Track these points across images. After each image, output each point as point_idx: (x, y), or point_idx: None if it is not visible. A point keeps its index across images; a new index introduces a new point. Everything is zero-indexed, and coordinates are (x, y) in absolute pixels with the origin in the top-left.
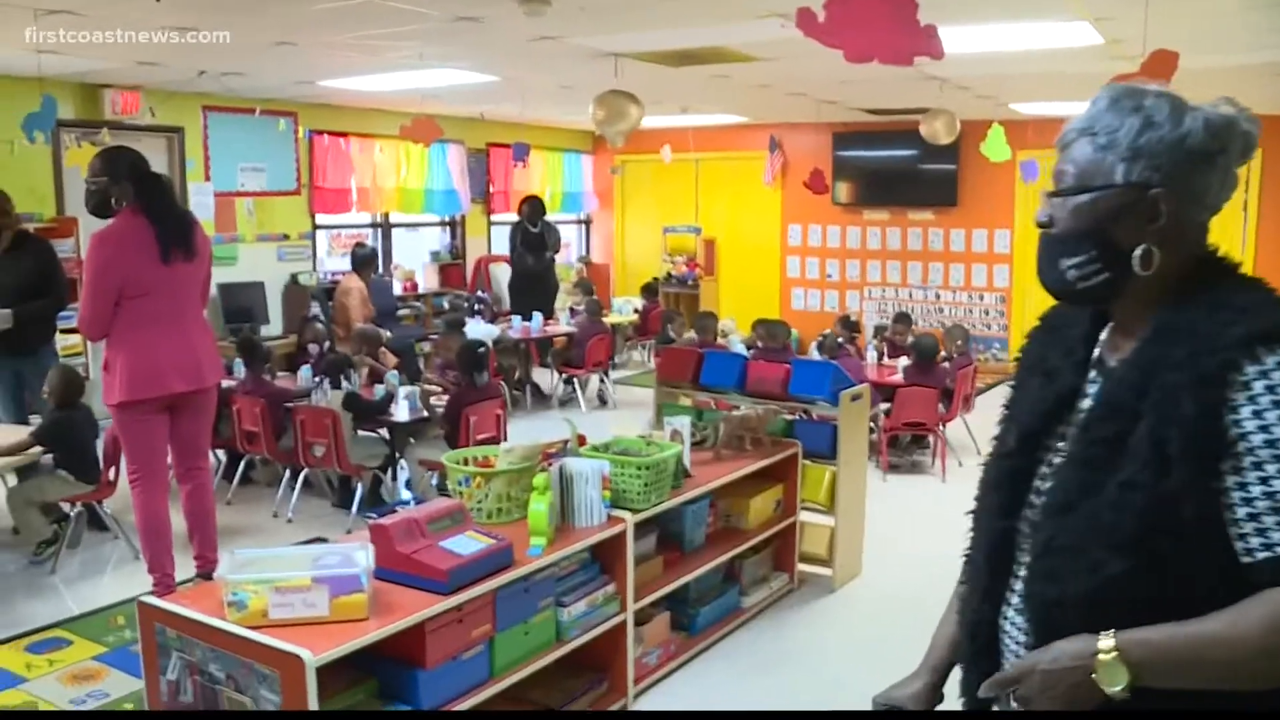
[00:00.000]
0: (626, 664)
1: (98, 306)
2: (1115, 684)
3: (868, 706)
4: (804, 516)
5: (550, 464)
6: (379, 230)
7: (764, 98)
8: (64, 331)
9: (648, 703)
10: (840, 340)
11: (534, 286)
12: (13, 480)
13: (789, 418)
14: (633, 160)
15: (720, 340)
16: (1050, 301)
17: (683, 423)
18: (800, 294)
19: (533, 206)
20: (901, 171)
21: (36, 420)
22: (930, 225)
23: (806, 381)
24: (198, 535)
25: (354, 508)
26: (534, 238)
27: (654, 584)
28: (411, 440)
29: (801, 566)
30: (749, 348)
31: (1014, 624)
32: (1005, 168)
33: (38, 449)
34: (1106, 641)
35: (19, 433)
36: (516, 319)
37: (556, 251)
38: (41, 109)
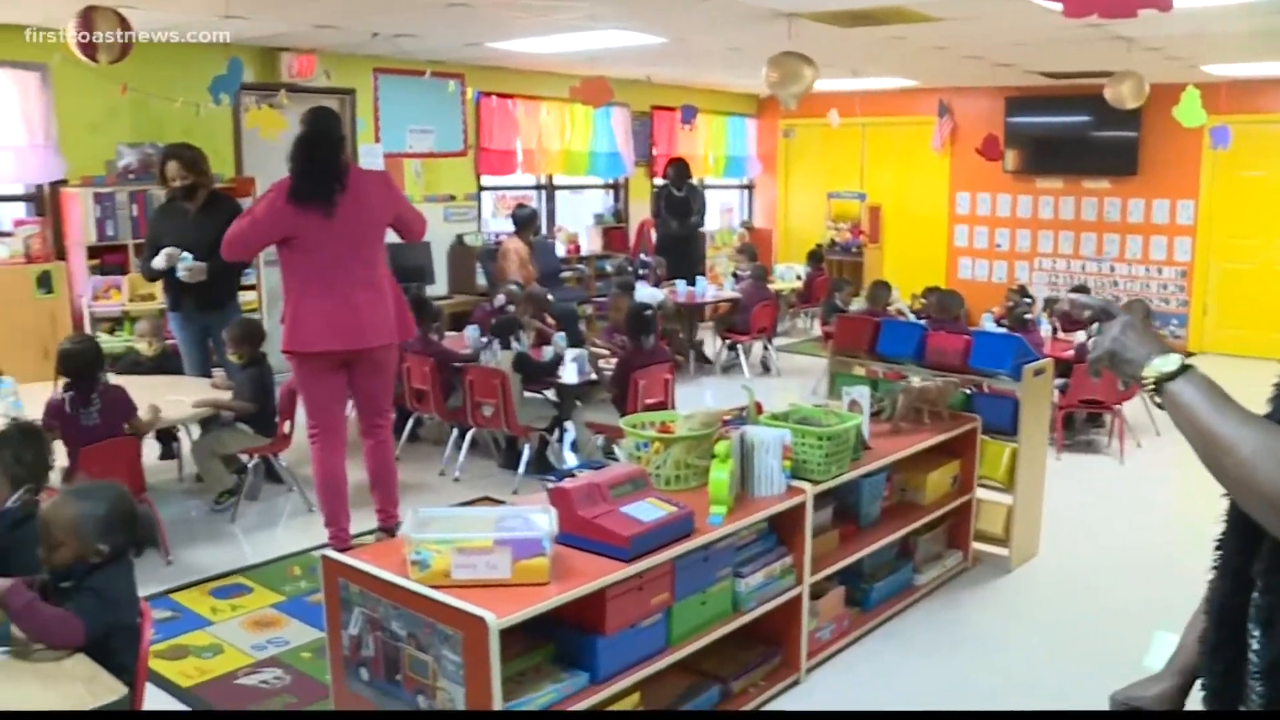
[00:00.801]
0: (800, 638)
1: (245, 233)
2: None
3: (1042, 694)
4: (980, 494)
5: (728, 431)
6: (543, 192)
7: (937, 60)
8: (245, 288)
9: (820, 678)
10: (1026, 315)
11: (678, 251)
12: (197, 432)
13: (967, 391)
14: (799, 124)
15: (892, 309)
16: (1237, 278)
17: (862, 393)
18: (967, 264)
19: (677, 169)
20: (1077, 138)
21: (218, 373)
22: (1107, 194)
23: (988, 354)
24: (379, 491)
25: (520, 469)
26: (678, 202)
27: (830, 557)
28: (578, 403)
29: (976, 545)
30: (918, 317)
31: (1258, 608)
32: (1192, 135)
33: (228, 402)
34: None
35: (204, 384)
36: (680, 283)
37: (702, 216)
38: (228, 72)
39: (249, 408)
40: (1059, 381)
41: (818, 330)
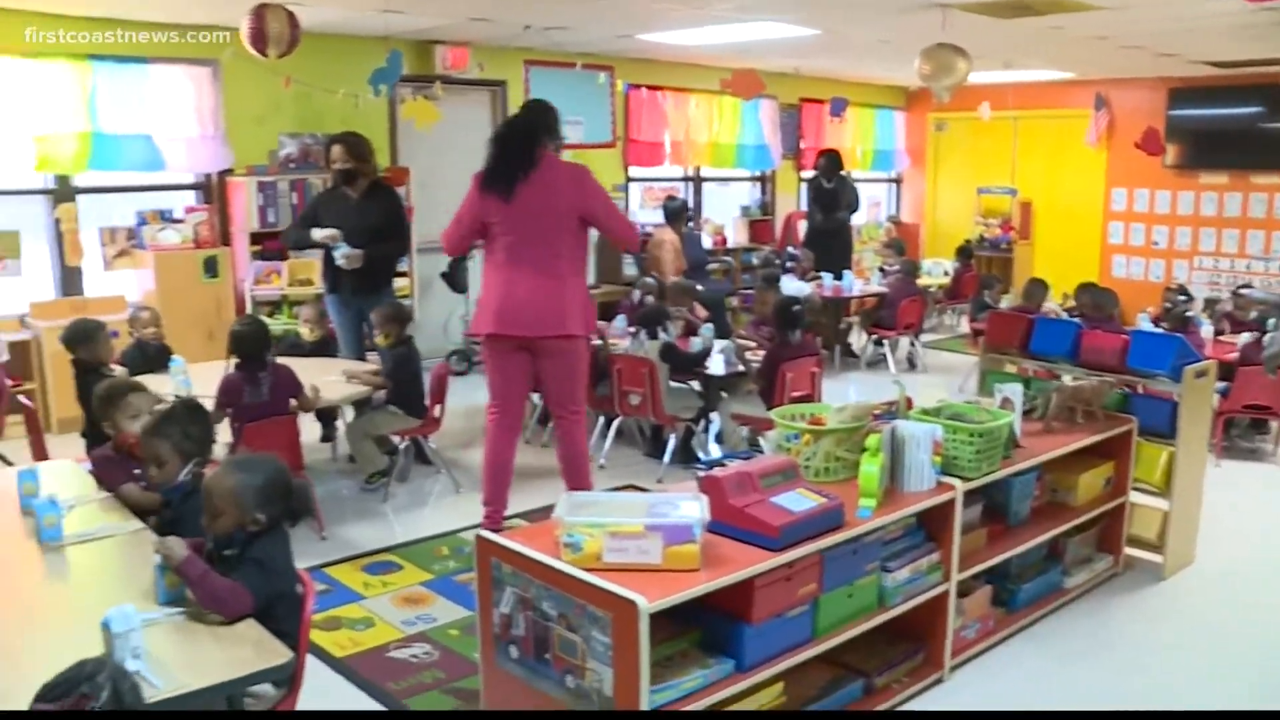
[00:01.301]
0: (946, 636)
1: (454, 221)
2: None
3: (1192, 707)
4: (1135, 497)
5: (879, 425)
6: (690, 184)
7: (1096, 51)
8: (399, 274)
9: (964, 677)
10: (1189, 313)
11: (825, 245)
12: (351, 414)
13: (1124, 392)
14: (949, 117)
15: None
16: None
17: (1014, 390)
18: (1122, 261)
19: (828, 161)
20: (1246, 130)
21: (372, 357)
22: (1278, 190)
23: (1147, 354)
24: (566, 478)
25: (665, 458)
26: (826, 194)
27: (977, 556)
28: (724, 394)
29: (1129, 550)
30: (1070, 316)
31: None
32: None
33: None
34: None
35: (361, 368)
36: (827, 277)
37: (852, 210)
38: (387, 64)
39: (384, 383)
40: (1220, 385)
41: (965, 327)
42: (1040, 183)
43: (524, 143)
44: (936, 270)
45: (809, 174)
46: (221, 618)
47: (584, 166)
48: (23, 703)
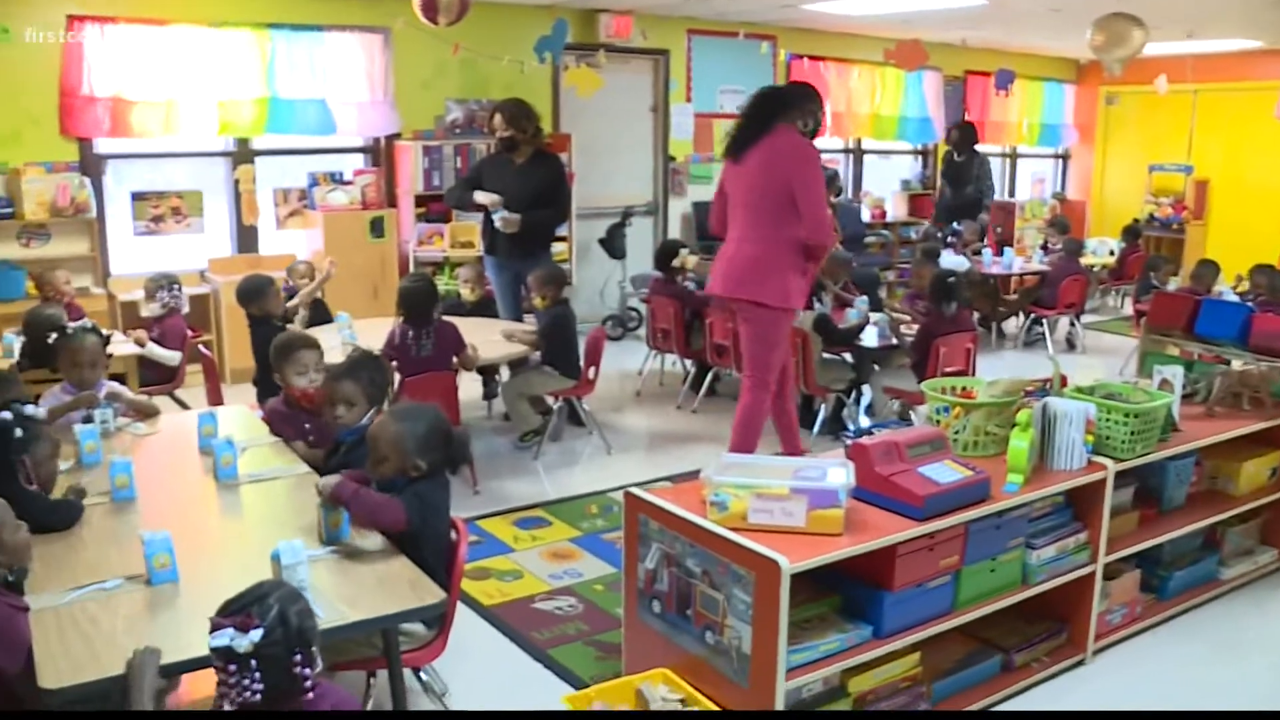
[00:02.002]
0: (1090, 618)
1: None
2: None
3: None
4: None
5: (1031, 401)
6: (850, 156)
7: None
8: (558, 239)
9: (1106, 662)
10: None
11: (951, 222)
12: (507, 374)
13: None
14: (1122, 91)
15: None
16: None
17: (1175, 372)
18: None
19: (962, 134)
20: None
21: (530, 318)
22: None
23: None
24: (734, 441)
25: (815, 428)
26: (956, 169)
27: (1127, 539)
28: (876, 367)
29: None
30: (1243, 300)
31: None
32: None
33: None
34: None
35: (519, 328)
36: (986, 254)
37: (981, 189)
38: (552, 32)
39: (540, 344)
40: None
41: (1129, 309)
42: (1219, 160)
43: (766, 111)
44: (1101, 250)
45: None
46: (382, 558)
47: (814, 149)
48: (203, 621)
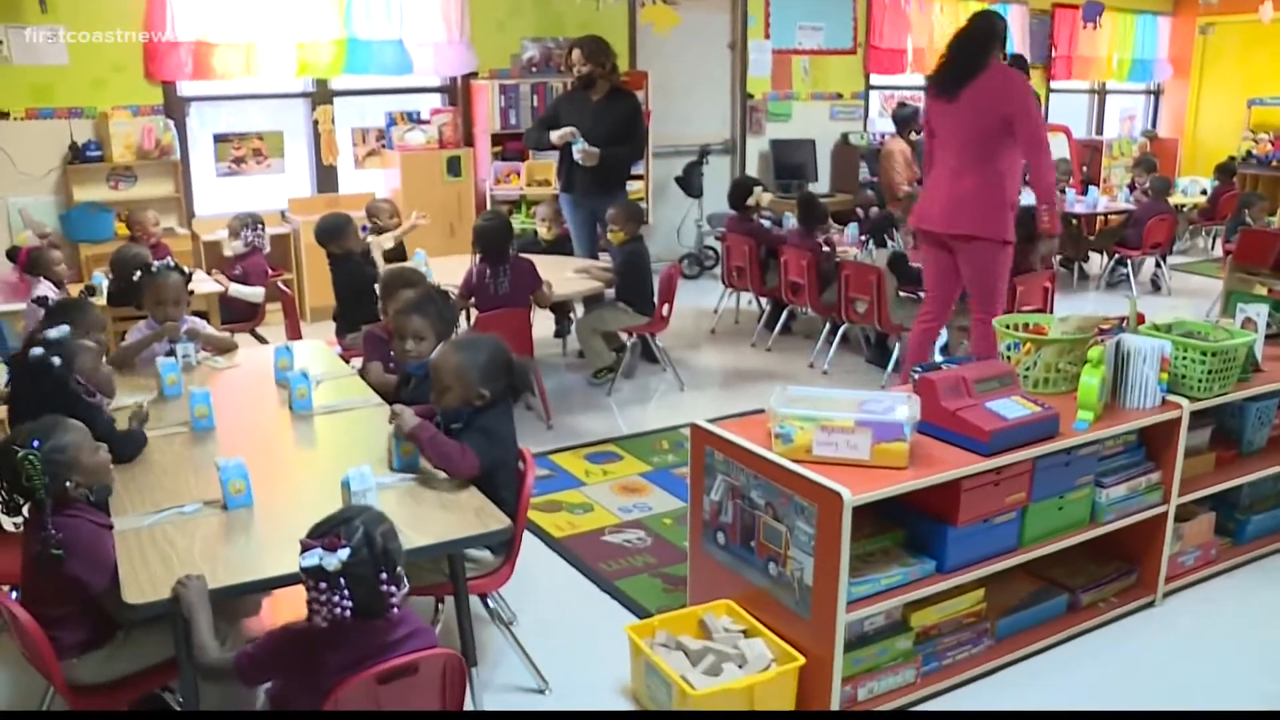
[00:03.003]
0: (1161, 560)
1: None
2: None
3: None
4: None
5: (1105, 338)
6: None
7: None
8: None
9: (1176, 604)
10: None
11: None
12: (581, 310)
13: None
14: (1221, 21)
15: None
16: None
17: (1259, 310)
18: None
19: (1019, 65)
20: None
21: (605, 257)
22: None
23: None
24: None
25: (889, 366)
26: None
27: (1202, 480)
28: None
29: None
30: None
31: None
32: None
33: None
34: None
35: (594, 265)
36: (1070, 193)
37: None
38: None
39: (614, 280)
40: None
41: (1219, 250)
42: None
43: (975, 48)
44: (1193, 189)
45: (1069, 84)
46: (449, 486)
47: (1023, 77)
48: (278, 544)
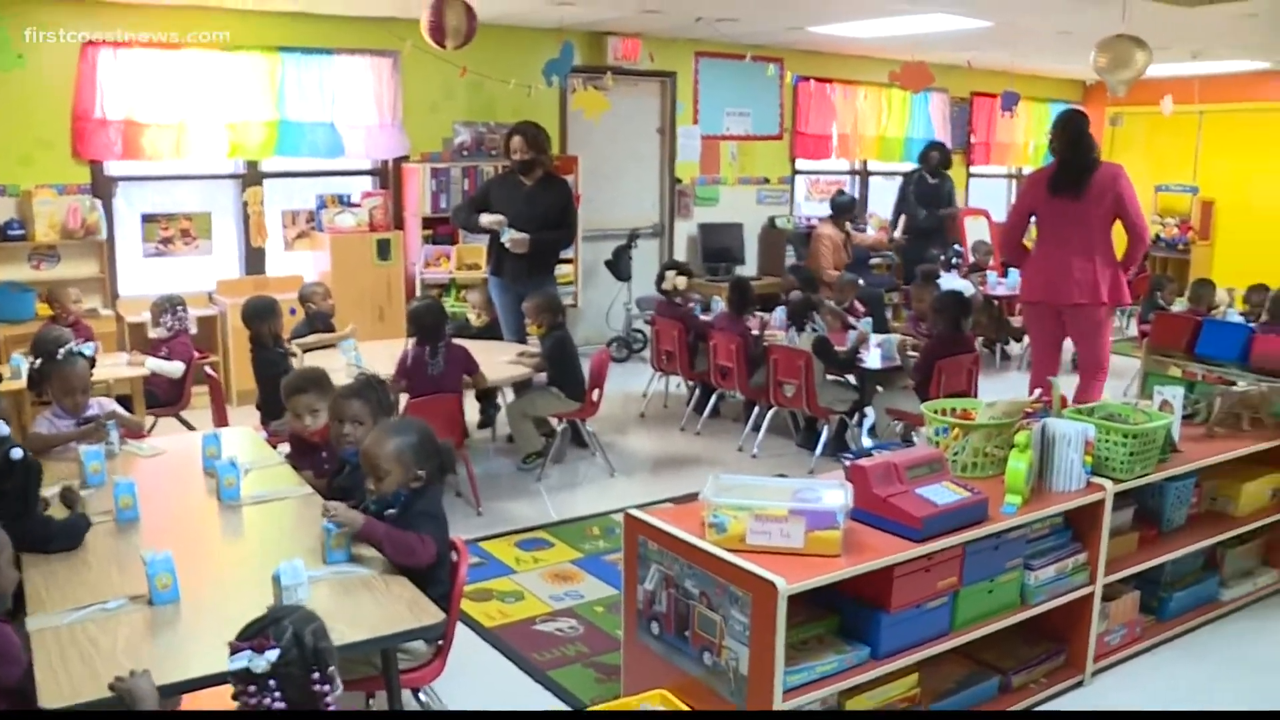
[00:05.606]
0: (1088, 639)
1: (1008, 230)
2: None
3: None
4: None
5: (1031, 422)
6: (857, 177)
7: None
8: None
9: (1105, 683)
10: None
11: (923, 243)
12: (511, 395)
13: None
14: (1127, 112)
15: (1217, 311)
16: None
17: (1175, 393)
18: None
19: (941, 155)
20: None
21: (534, 340)
22: None
23: None
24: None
25: (818, 449)
26: (930, 189)
27: (1126, 560)
28: (880, 388)
29: None
30: (1246, 320)
31: None
32: None
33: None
34: None
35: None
36: (991, 275)
37: (950, 207)
38: (560, 56)
39: (543, 363)
40: None
41: (1134, 330)
42: (1225, 180)
43: (1090, 147)
44: None
45: (987, 169)
46: (380, 578)
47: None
48: (205, 641)
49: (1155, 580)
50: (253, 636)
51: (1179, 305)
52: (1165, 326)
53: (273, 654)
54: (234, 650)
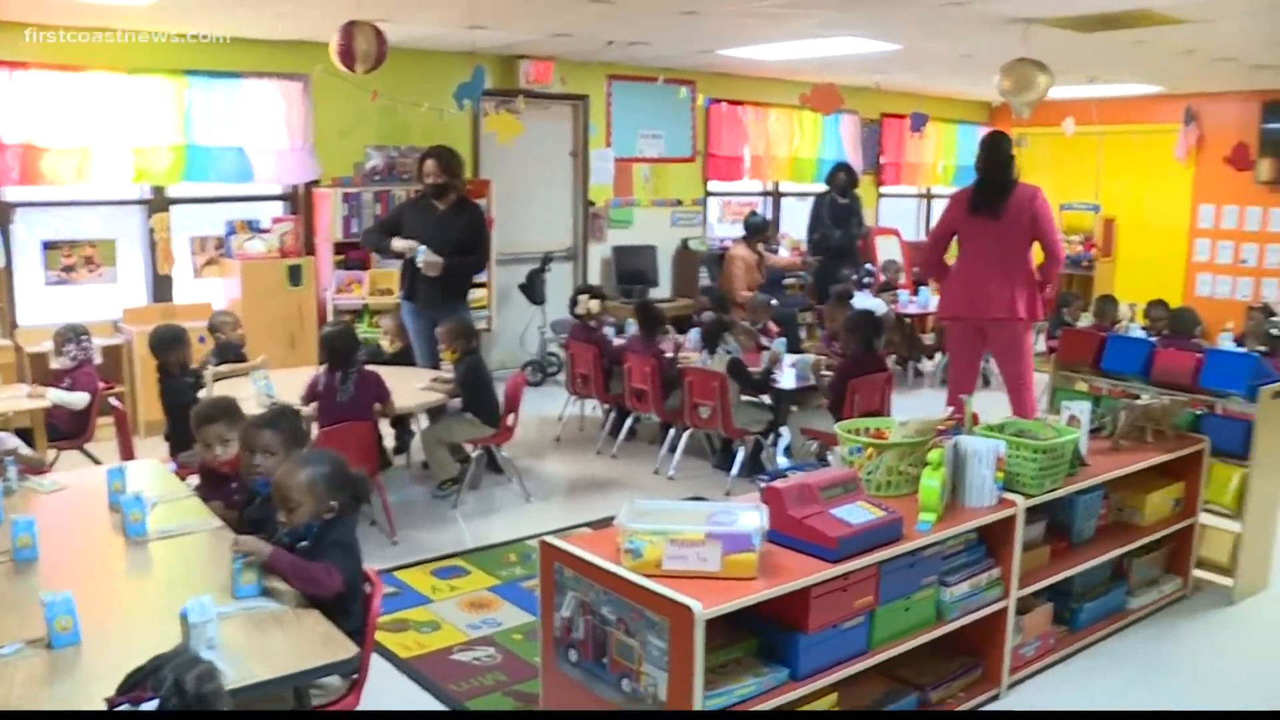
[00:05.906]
0: (1004, 652)
1: (929, 249)
2: None
3: None
4: (1205, 519)
5: (943, 440)
6: (769, 199)
7: (1185, 65)
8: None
9: (1021, 694)
10: (1275, 332)
11: (835, 263)
12: (425, 422)
13: (1196, 411)
14: (1031, 133)
15: (1120, 326)
16: None
17: (1082, 408)
18: (1207, 280)
19: (849, 176)
20: None
21: (448, 366)
22: None
23: (1221, 373)
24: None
25: (734, 470)
26: (843, 210)
27: (1039, 573)
28: (794, 408)
29: (1197, 573)
30: (1150, 334)
31: None
32: None
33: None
34: None
35: (437, 377)
36: (903, 294)
37: (860, 227)
38: (472, 79)
39: (456, 390)
40: None
41: (1043, 345)
42: (1124, 199)
43: (1009, 168)
44: None
45: (897, 190)
46: (293, 614)
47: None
48: (107, 686)
49: (1067, 592)
50: (131, 689)
51: (1084, 321)
52: (1072, 342)
53: (151, 705)
54: (110, 705)
